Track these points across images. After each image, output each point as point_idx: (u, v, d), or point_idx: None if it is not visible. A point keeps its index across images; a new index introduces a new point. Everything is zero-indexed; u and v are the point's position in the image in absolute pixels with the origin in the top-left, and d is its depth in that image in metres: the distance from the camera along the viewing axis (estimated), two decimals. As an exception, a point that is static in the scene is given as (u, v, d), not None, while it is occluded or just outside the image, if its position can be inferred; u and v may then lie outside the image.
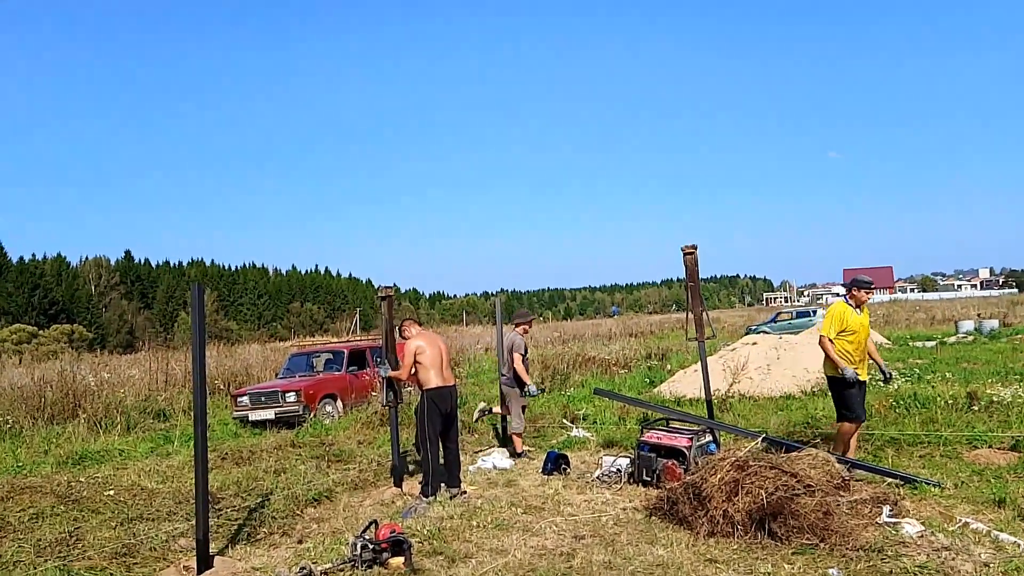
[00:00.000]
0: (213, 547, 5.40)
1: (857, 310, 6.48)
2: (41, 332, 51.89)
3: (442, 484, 6.83)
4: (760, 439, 6.03)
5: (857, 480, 5.68)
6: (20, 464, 9.10)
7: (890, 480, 5.95)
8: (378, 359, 13.92)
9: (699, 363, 8.47)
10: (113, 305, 75.81)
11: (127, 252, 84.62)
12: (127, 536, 5.55)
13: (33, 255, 72.53)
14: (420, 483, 6.75)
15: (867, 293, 6.55)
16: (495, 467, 7.90)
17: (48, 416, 11.81)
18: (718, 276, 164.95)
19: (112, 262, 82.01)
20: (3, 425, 11.01)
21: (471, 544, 5.21)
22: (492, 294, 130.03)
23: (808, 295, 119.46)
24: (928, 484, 5.78)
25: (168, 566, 5.01)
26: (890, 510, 4.92)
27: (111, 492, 6.90)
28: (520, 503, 6.32)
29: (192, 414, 13.53)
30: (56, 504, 6.26)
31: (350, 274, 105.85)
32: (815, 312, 31.66)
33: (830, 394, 6.72)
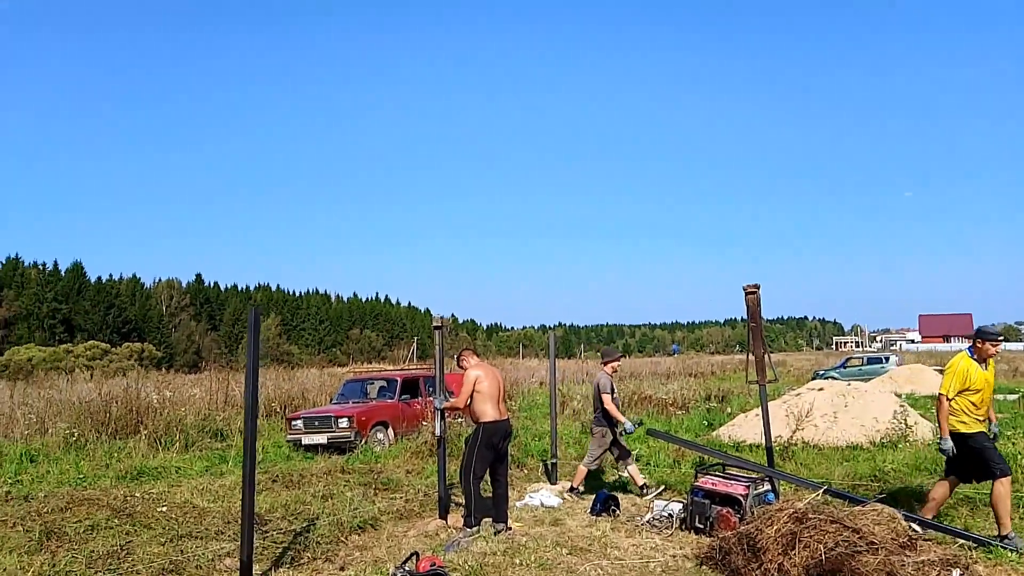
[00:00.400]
0: (257, 568, 5.43)
1: (982, 365, 5.92)
2: (113, 349, 54.18)
3: (488, 519, 6.73)
4: (821, 490, 5.72)
5: (926, 540, 5.31)
6: (82, 476, 9.42)
7: (962, 542, 5.55)
8: (431, 388, 13.99)
9: (760, 407, 8.17)
10: (182, 326, 78.71)
11: (198, 275, 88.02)
12: (175, 553, 5.63)
13: (110, 275, 76.11)
14: (463, 515, 6.66)
15: (994, 346, 5.92)
16: (542, 504, 7.74)
17: (112, 431, 12.22)
18: (785, 318, 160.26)
19: (184, 284, 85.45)
20: (69, 438, 11.44)
21: (513, 583, 5.08)
22: (549, 327, 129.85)
23: (881, 340, 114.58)
24: (1005, 548, 5.36)
25: (212, 586, 5.04)
26: (960, 573, 4.57)
27: (164, 508, 7.04)
28: (566, 543, 6.15)
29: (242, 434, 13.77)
30: (111, 517, 6.43)
31: (409, 303, 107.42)
32: (887, 359, 30.29)
33: (954, 452, 5.87)
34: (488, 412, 6.69)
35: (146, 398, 13.71)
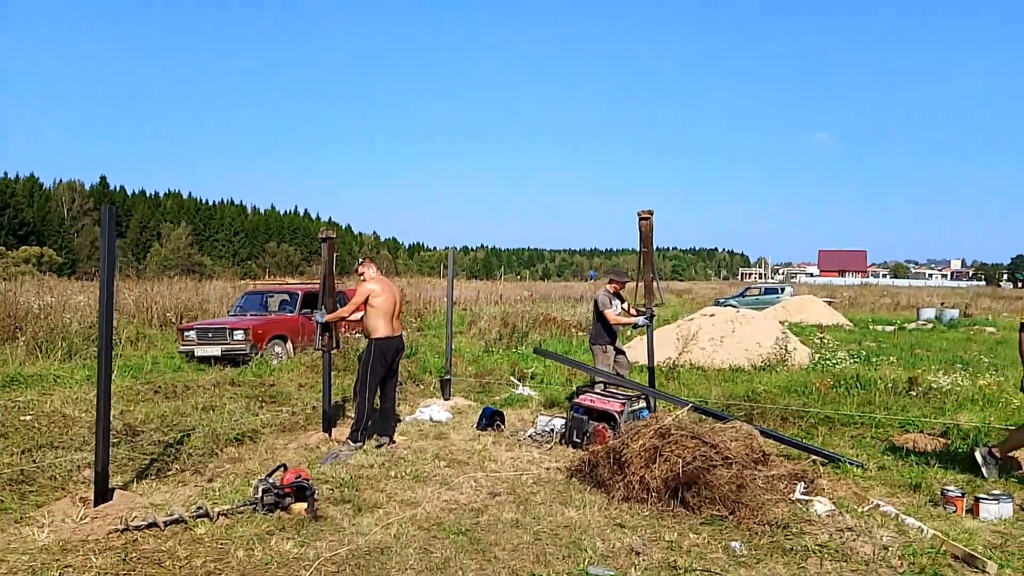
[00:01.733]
0: (119, 480, 5.26)
1: None
2: (8, 253, 50.70)
3: (375, 433, 6.74)
4: (688, 407, 5.95)
5: (781, 456, 5.64)
6: (-55, 383, 8.84)
7: (815, 458, 5.93)
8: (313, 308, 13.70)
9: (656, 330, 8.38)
10: (85, 231, 74.15)
11: (102, 178, 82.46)
12: (28, 463, 5.36)
13: (5, 173, 70.40)
14: (351, 428, 6.63)
15: None
16: (431, 419, 7.80)
17: (-14, 336, 11.49)
18: (696, 248, 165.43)
19: (87, 187, 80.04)
20: (-66, 343, 10.69)
21: (383, 494, 5.10)
22: (472, 248, 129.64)
23: (783, 273, 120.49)
24: (851, 464, 5.76)
25: (65, 495, 4.85)
26: (804, 488, 4.88)
27: (28, 417, 6.70)
28: (445, 456, 6.23)
29: (136, 343, 13.19)
30: (-38, 425, 6.05)
31: (330, 218, 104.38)
32: (783, 290, 31.81)
33: None
34: (380, 328, 6.59)
35: (26, 303, 12.91)
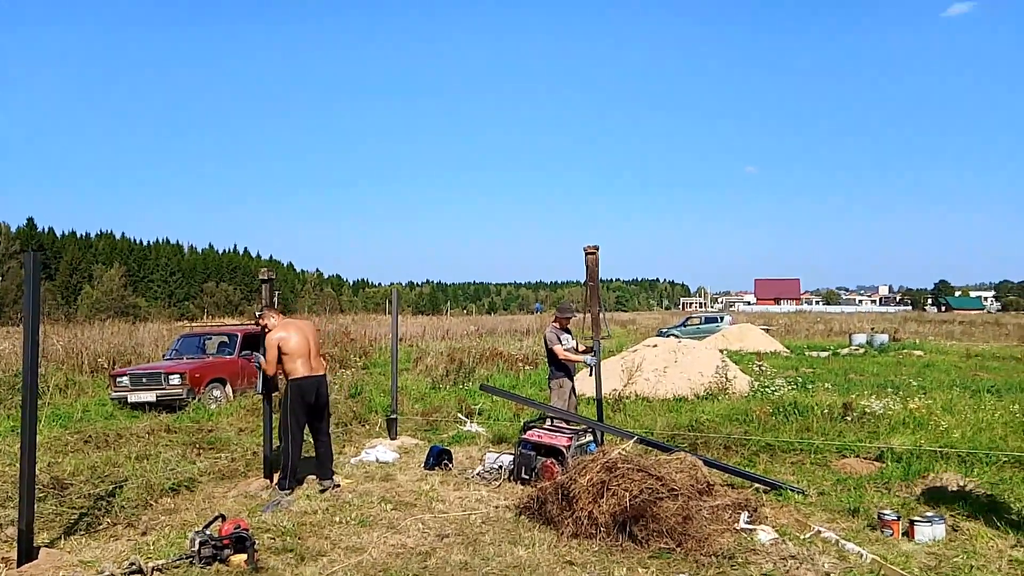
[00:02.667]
0: (45, 537, 4.99)
1: None
2: (-77, 298, 47.96)
3: (313, 477, 6.56)
4: (633, 440, 6.02)
5: (725, 485, 5.74)
6: None
7: (758, 486, 6.05)
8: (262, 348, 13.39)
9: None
10: (11, 274, 70.79)
11: (29, 219, 79.23)
12: (-56, 524, 5.03)
13: (-82, 215, 67.00)
14: (279, 475, 6.42)
15: None
16: (377, 460, 7.66)
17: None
18: (639, 279, 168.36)
19: (13, 230, 76.63)
20: None
21: (327, 541, 4.97)
22: (417, 284, 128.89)
23: (722, 301, 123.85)
24: (793, 491, 5.90)
25: (-16, 558, 4.55)
26: (748, 517, 4.97)
27: (-56, 474, 6.30)
28: (392, 498, 6.11)
29: (66, 391, 12.59)
30: None
31: (271, 256, 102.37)
32: (722, 319, 32.66)
33: None
34: (298, 369, 6.43)
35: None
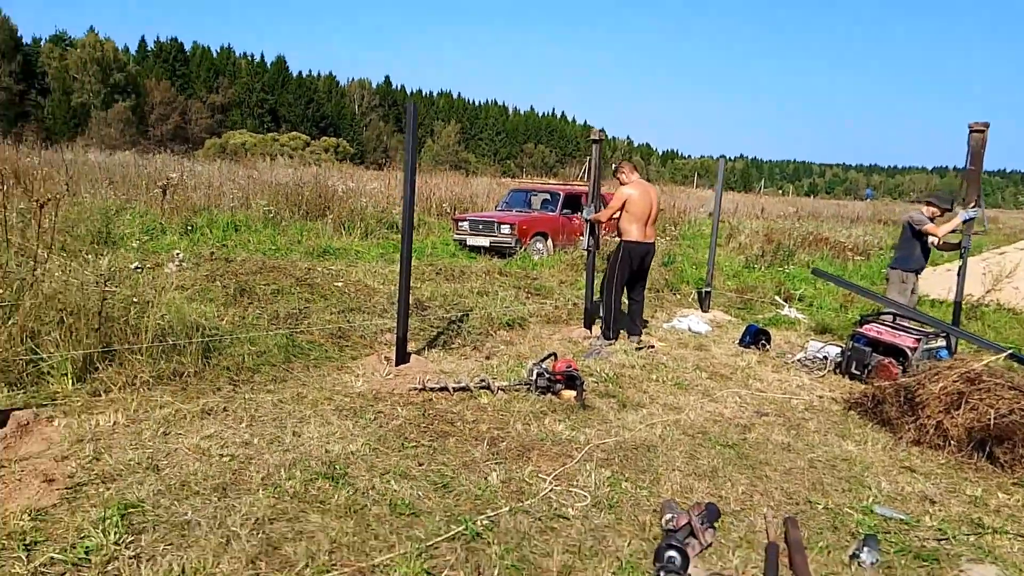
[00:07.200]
0: (413, 346, 5.92)
1: None
2: (312, 142, 58.65)
3: (623, 331, 6.82)
4: (1005, 354, 5.11)
5: None
6: (276, 248, 10.58)
7: None
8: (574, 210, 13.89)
9: (955, 262, 7.27)
10: (372, 125, 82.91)
11: (387, 77, 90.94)
12: (344, 322, 6.25)
13: (310, 71, 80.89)
14: (601, 326, 6.79)
15: None
16: (690, 329, 7.67)
17: (303, 212, 13.48)
18: (1007, 170, 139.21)
19: (374, 85, 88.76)
20: (267, 214, 12.78)
21: (645, 395, 5.17)
22: (729, 158, 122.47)
23: None
24: None
25: (373, 353, 5.59)
26: None
27: (340, 284, 7.78)
28: (707, 367, 6.11)
29: (418, 229, 14.56)
30: (294, 284, 7.20)
31: (585, 122, 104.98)
32: None
33: None
34: (632, 232, 6.54)
35: (332, 187, 14.84)
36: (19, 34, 61.07)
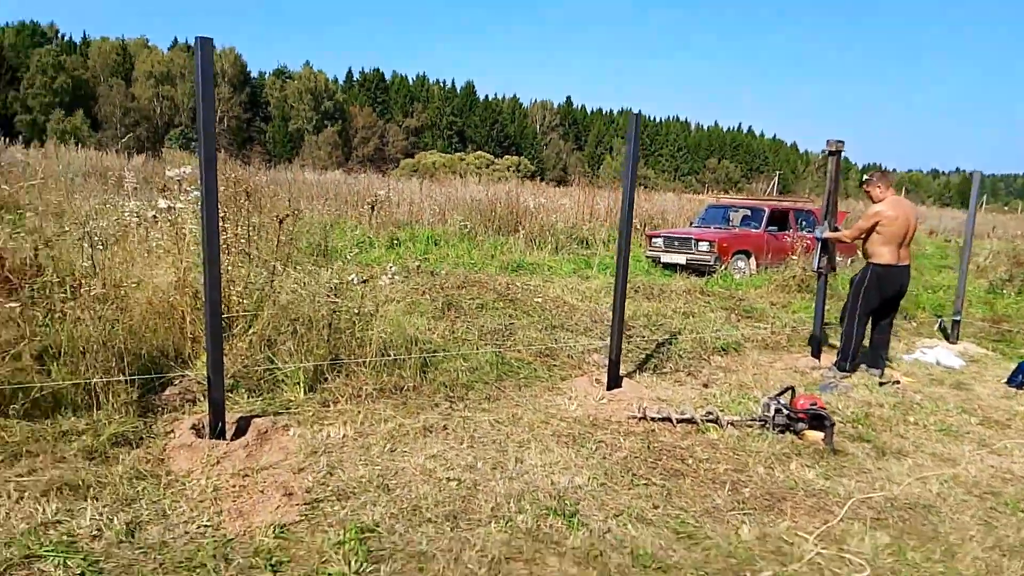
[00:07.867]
0: (623, 369, 5.55)
1: None
2: (496, 160, 60.76)
3: (862, 365, 5.96)
4: None
5: None
6: (473, 262, 10.72)
7: None
8: (802, 222, 12.74)
9: None
10: (552, 144, 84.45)
11: (568, 98, 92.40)
12: (550, 340, 6.02)
13: (495, 94, 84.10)
14: (837, 355, 5.98)
15: None
16: (939, 363, 6.60)
17: (496, 227, 13.67)
18: None
19: (555, 106, 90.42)
20: (463, 229, 13.09)
21: (906, 441, 4.38)
22: (943, 172, 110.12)
23: None
24: None
25: (582, 375, 5.29)
26: None
27: (539, 300, 7.61)
28: (974, 411, 5.14)
29: (616, 245, 14.28)
30: (496, 299, 7.13)
31: (774, 135, 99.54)
32: None
33: None
34: (884, 254, 5.70)
35: (524, 203, 14.95)
36: (247, 69, 69.58)
